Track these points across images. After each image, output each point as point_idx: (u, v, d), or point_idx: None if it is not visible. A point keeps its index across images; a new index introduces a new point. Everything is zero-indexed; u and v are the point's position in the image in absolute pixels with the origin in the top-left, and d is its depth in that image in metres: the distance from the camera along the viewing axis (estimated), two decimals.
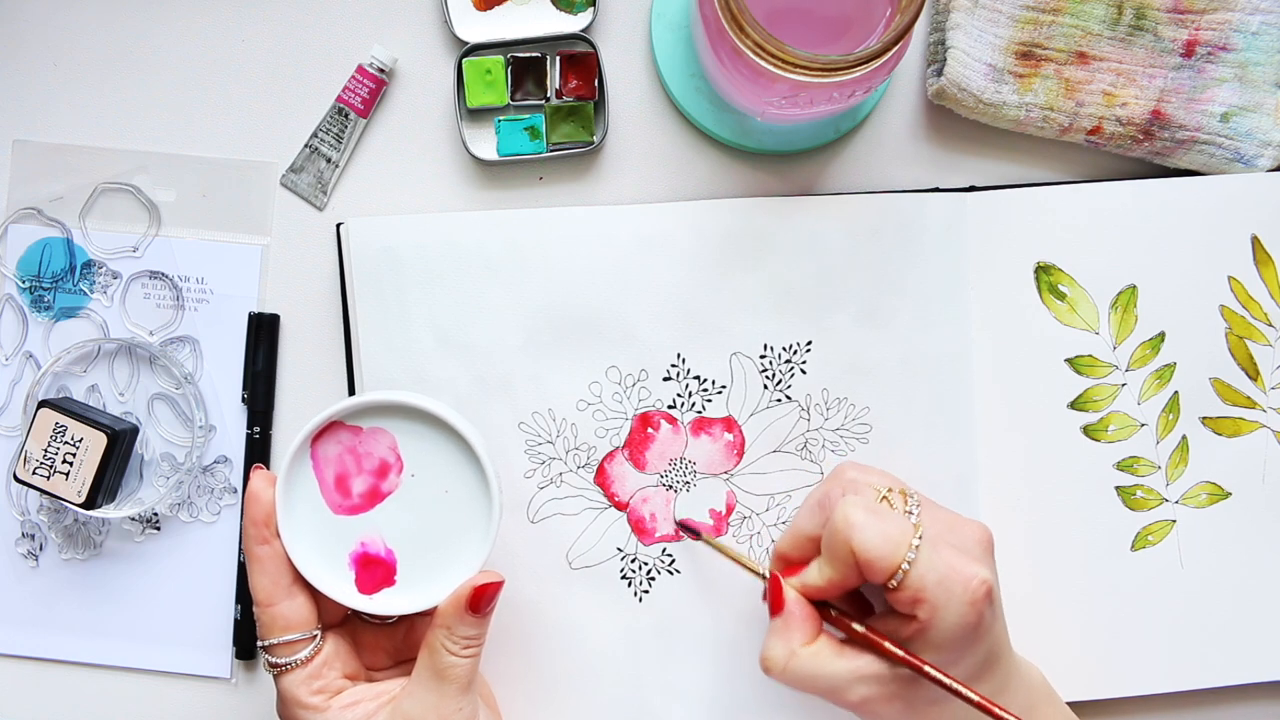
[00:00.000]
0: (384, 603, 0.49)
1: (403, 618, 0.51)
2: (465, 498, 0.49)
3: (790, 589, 0.50)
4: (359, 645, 0.51)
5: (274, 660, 0.48)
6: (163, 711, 0.59)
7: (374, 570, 0.49)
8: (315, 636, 0.48)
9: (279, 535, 0.48)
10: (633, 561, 0.57)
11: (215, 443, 0.58)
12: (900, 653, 0.47)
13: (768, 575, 0.51)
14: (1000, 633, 0.49)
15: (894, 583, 0.46)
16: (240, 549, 0.58)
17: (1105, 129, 0.57)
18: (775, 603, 0.50)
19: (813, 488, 0.54)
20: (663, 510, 0.57)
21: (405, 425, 0.49)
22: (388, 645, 0.52)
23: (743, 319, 0.56)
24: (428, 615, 0.49)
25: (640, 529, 0.57)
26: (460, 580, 0.48)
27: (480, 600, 0.48)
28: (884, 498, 0.50)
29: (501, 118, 0.57)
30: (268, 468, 0.56)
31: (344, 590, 0.49)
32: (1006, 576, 0.55)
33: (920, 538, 0.47)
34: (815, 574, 0.49)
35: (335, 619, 0.51)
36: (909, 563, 0.46)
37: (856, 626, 0.49)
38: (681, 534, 0.56)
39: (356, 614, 0.52)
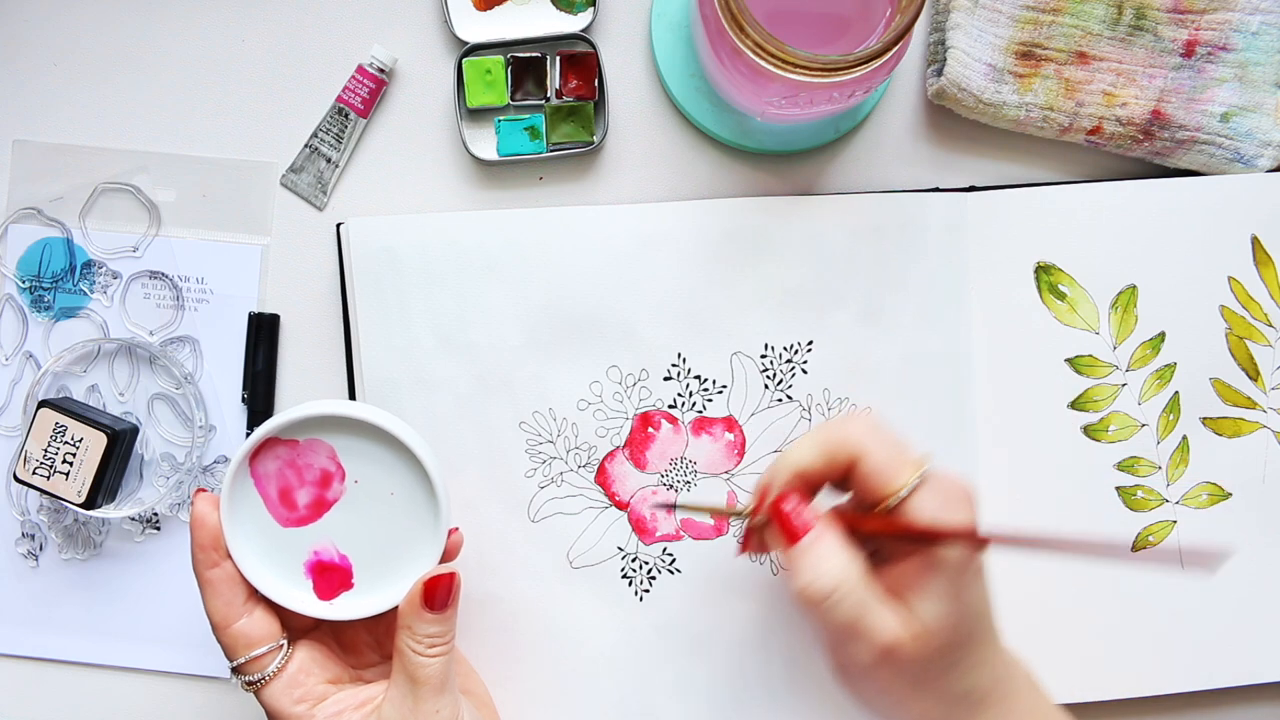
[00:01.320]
0: (345, 607, 0.49)
1: (378, 615, 0.51)
2: (411, 497, 0.49)
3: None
4: (344, 646, 0.52)
5: (247, 679, 0.48)
6: (163, 711, 0.59)
7: (330, 576, 0.50)
8: (282, 646, 0.48)
9: (229, 556, 0.48)
10: (633, 561, 0.57)
11: (215, 443, 0.58)
12: (925, 525, 0.46)
13: (752, 509, 0.49)
14: (986, 595, 0.48)
15: (897, 498, 0.46)
16: None
17: (1105, 129, 0.57)
18: (792, 527, 0.47)
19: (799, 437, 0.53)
20: (663, 510, 0.57)
21: (342, 434, 0.49)
22: (370, 641, 0.52)
23: (743, 319, 0.56)
24: None
25: (641, 528, 0.57)
26: (415, 578, 0.48)
27: (433, 596, 0.47)
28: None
29: (501, 118, 0.57)
30: None
31: (303, 599, 0.49)
32: (1006, 576, 0.55)
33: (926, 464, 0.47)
34: (803, 454, 0.48)
35: (307, 625, 0.51)
36: (919, 479, 0.46)
37: (883, 508, 0.47)
38: (670, 512, 0.56)
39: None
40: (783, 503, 0.48)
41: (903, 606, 0.46)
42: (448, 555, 0.50)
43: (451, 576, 0.48)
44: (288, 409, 0.49)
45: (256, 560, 0.49)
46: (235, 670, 0.48)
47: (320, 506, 0.50)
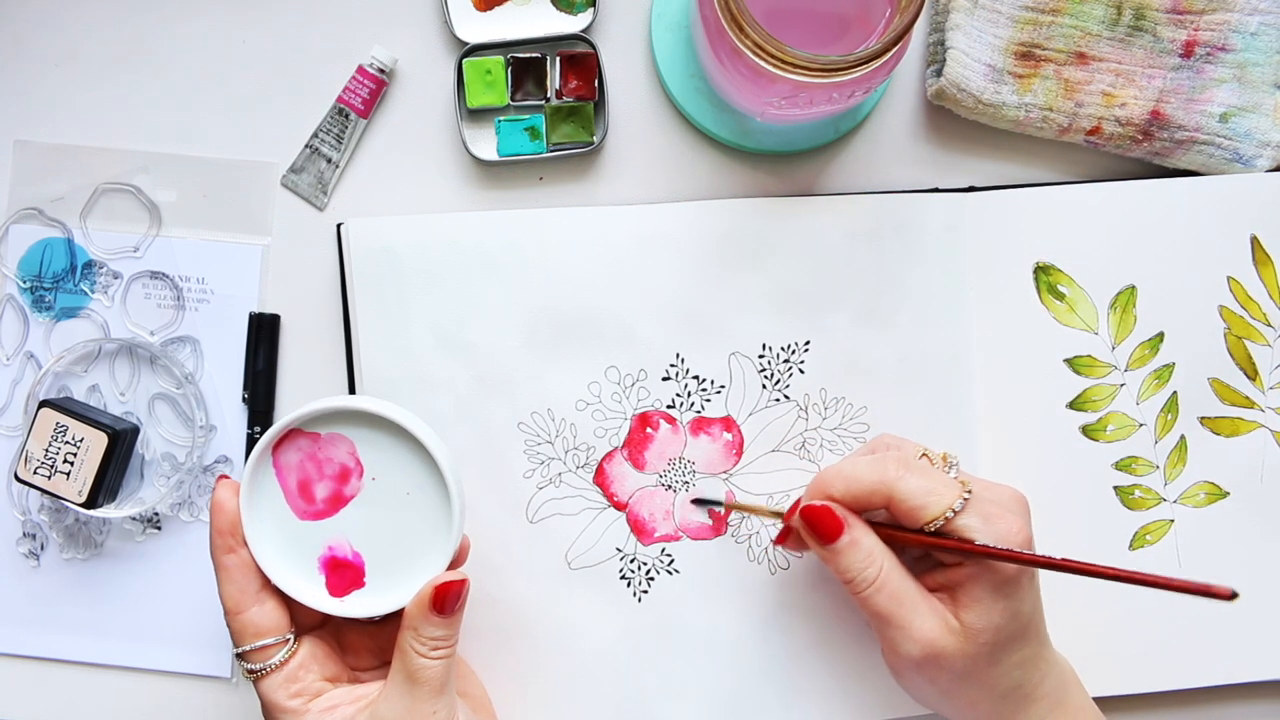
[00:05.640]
0: (355, 605, 0.49)
1: (385, 617, 0.51)
2: (427, 499, 0.49)
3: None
4: (344, 647, 0.52)
5: (250, 666, 0.48)
6: (163, 711, 0.59)
7: (343, 573, 0.50)
8: (289, 640, 0.49)
9: (245, 543, 0.49)
10: (632, 561, 0.57)
11: (216, 443, 0.59)
12: (975, 543, 0.47)
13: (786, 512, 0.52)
14: (1036, 601, 0.50)
15: (934, 526, 0.48)
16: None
17: (1104, 129, 0.58)
18: (833, 524, 0.49)
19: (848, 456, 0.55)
20: (662, 510, 0.57)
21: (363, 430, 0.49)
22: (371, 645, 0.52)
23: (741, 319, 0.57)
24: None
25: (639, 529, 0.57)
26: (426, 580, 0.49)
27: (443, 600, 0.47)
28: (924, 454, 0.51)
29: (501, 118, 0.58)
30: None
31: (315, 594, 0.49)
32: None
33: (970, 492, 0.48)
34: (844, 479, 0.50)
35: (313, 621, 0.51)
36: (954, 510, 0.47)
37: (926, 529, 0.48)
38: (697, 507, 0.57)
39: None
40: (813, 506, 0.50)
41: (950, 605, 0.49)
42: (457, 560, 0.50)
43: (463, 583, 0.48)
44: (313, 400, 0.49)
45: (272, 551, 0.49)
46: (239, 656, 0.48)
47: (337, 502, 0.50)
